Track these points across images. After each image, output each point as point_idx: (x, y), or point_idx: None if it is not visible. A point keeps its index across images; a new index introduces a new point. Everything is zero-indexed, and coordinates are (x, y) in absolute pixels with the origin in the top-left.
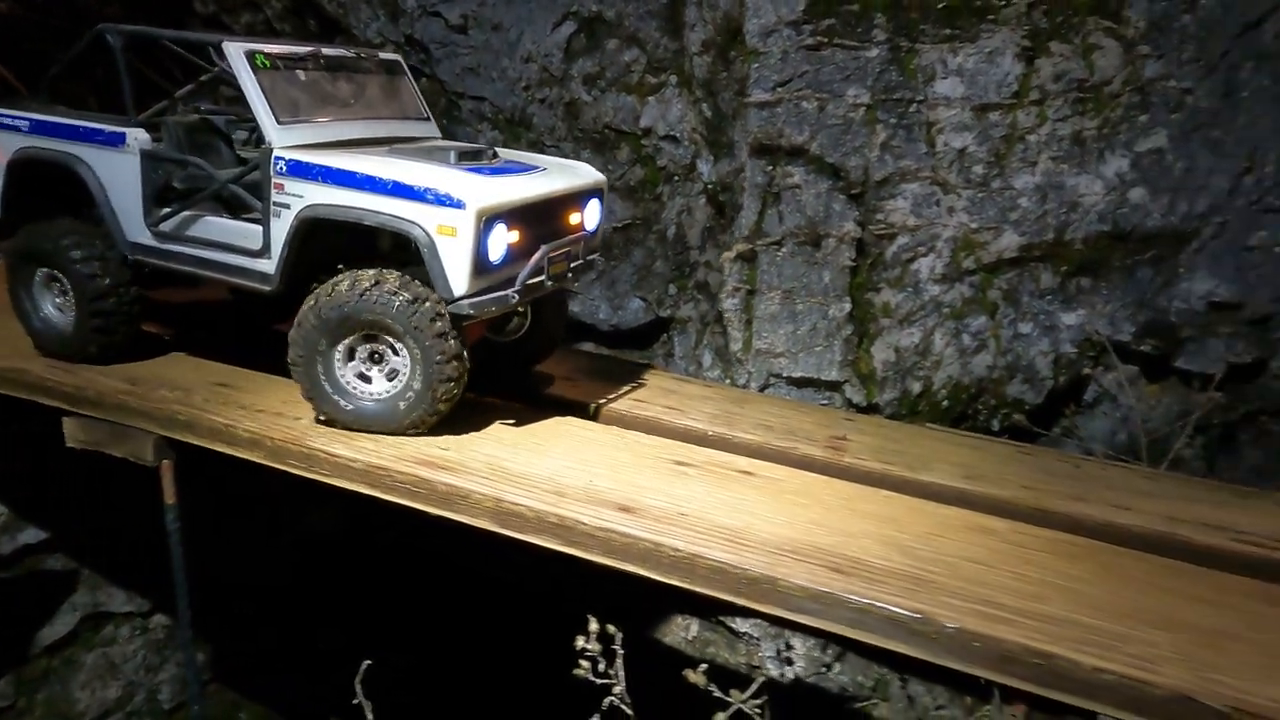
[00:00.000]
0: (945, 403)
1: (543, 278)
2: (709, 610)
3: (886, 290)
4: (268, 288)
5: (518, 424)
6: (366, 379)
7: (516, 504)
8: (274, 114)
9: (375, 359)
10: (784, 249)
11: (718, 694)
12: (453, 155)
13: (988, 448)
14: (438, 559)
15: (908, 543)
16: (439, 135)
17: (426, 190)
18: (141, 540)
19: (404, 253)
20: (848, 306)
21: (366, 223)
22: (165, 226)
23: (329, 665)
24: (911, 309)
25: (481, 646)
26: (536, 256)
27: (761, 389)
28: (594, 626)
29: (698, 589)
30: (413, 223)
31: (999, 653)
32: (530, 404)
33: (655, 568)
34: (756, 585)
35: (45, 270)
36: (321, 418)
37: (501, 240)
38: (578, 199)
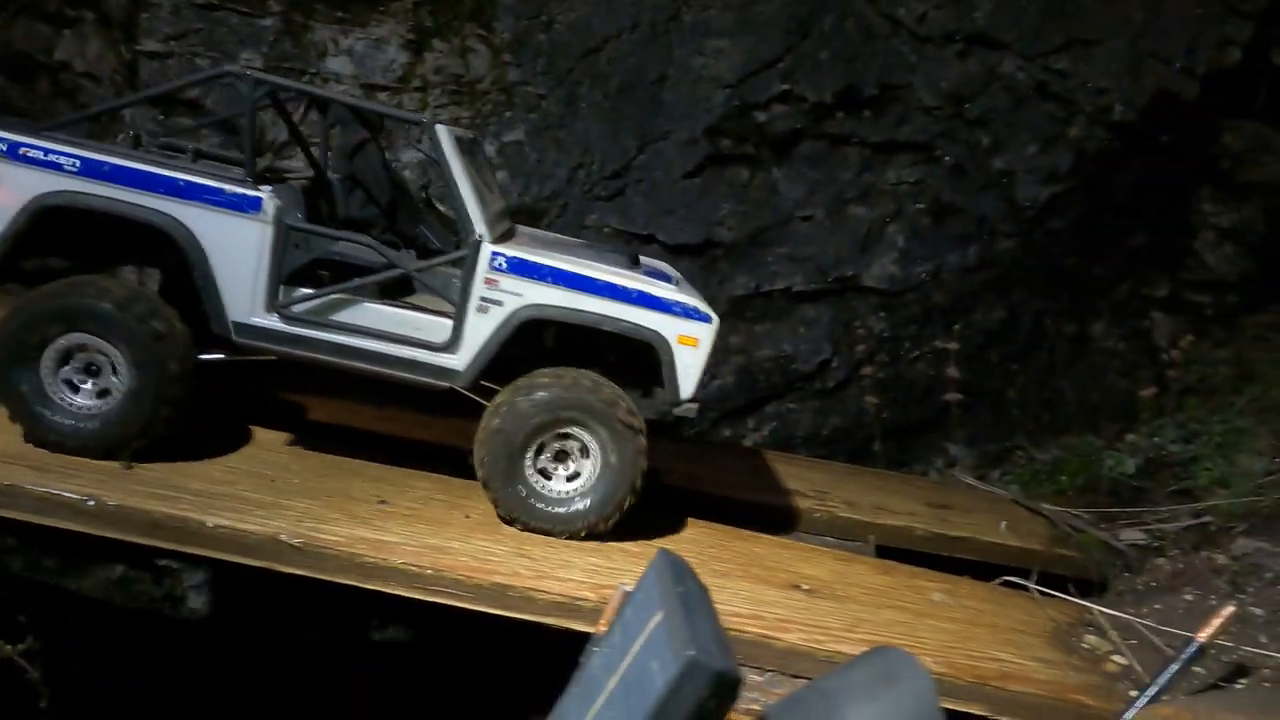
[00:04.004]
0: None
1: None
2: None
3: None
4: (446, 383)
5: None
6: (548, 476)
7: None
8: (481, 205)
9: (559, 457)
10: None
11: None
12: (626, 260)
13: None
14: None
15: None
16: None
17: (675, 303)
18: None
19: (566, 353)
20: None
21: (604, 328)
22: (299, 309)
23: None
24: None
25: None
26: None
27: None
28: None
29: None
30: (654, 331)
31: (148, 521)
32: None
33: None
34: None
35: (79, 339)
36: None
37: None
38: None
